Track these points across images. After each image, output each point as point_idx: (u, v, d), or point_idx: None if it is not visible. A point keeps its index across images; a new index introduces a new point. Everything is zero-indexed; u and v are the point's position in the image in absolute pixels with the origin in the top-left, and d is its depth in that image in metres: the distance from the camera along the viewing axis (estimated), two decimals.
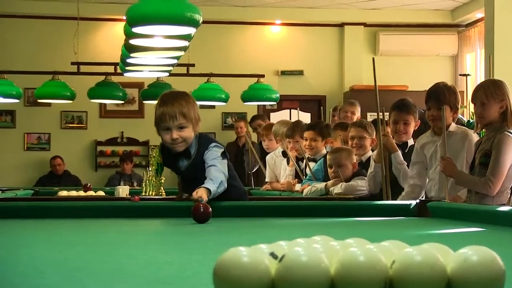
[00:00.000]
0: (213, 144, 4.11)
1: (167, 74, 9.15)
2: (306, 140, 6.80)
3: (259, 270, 1.29)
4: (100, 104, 12.59)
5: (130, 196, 5.54)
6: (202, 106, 11.56)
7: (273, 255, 1.33)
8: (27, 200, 5.43)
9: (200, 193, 3.62)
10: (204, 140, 4.15)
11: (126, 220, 3.78)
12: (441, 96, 5.16)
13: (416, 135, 6.06)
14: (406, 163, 5.51)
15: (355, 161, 5.97)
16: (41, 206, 4.05)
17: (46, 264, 1.99)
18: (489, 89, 4.82)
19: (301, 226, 3.55)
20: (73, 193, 7.09)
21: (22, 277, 1.74)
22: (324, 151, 6.71)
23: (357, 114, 8.50)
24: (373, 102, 11.68)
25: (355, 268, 1.28)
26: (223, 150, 4.14)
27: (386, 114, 5.97)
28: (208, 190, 3.69)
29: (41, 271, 1.84)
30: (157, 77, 9.71)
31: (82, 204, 4.10)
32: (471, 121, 7.41)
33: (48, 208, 3.98)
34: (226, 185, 3.93)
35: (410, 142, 5.75)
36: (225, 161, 4.07)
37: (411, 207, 4.02)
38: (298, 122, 7.57)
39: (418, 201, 4.05)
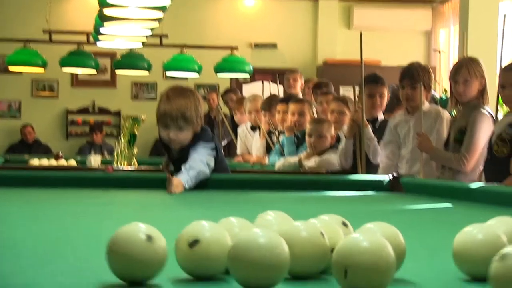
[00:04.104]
0: (201, 143, 4.10)
1: (141, 45, 9.11)
2: (279, 113, 6.83)
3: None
4: (72, 73, 12.50)
5: (103, 167, 5.52)
6: (174, 77, 11.61)
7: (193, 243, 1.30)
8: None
9: (175, 185, 3.67)
10: (198, 137, 4.13)
11: (100, 191, 3.76)
12: (415, 75, 5.19)
13: (386, 109, 6.09)
14: (376, 139, 5.53)
15: (333, 134, 5.99)
16: (14, 175, 4.02)
17: (26, 236, 1.98)
18: (471, 67, 4.87)
19: (276, 200, 3.57)
20: (45, 161, 7.06)
21: (3, 248, 1.73)
22: None
23: (300, 81, 8.50)
24: (347, 76, 11.78)
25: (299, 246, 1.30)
26: (211, 145, 4.13)
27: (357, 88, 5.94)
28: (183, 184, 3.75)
29: (22, 243, 1.83)
30: (130, 48, 9.66)
31: (56, 174, 4.08)
32: (444, 97, 7.44)
33: (21, 177, 3.96)
34: (206, 170, 3.95)
35: (380, 117, 5.78)
36: (209, 152, 4.07)
37: (384, 182, 4.06)
38: (274, 96, 7.63)
39: (391, 176, 4.08)
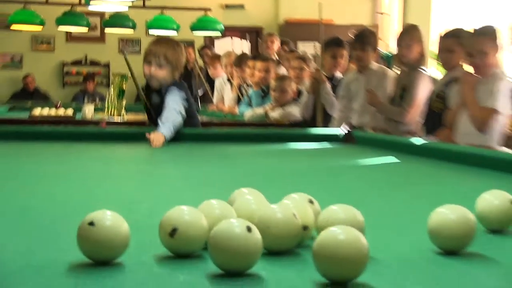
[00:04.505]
0: (174, 87, 4.07)
1: (127, 8, 8.96)
2: (249, 68, 6.76)
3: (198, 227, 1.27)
4: (66, 31, 12.29)
5: (98, 120, 5.47)
6: (156, 35, 11.46)
7: (172, 232, 1.27)
8: (4, 122, 5.30)
9: (157, 140, 3.64)
10: (173, 84, 4.10)
11: (96, 144, 3.71)
12: (365, 39, 5.21)
13: None
14: (333, 94, 5.52)
15: (294, 89, 5.96)
16: (19, 131, 3.95)
17: (39, 200, 1.92)
18: (414, 33, 4.90)
19: (245, 153, 3.52)
20: (46, 110, 6.94)
21: (24, 217, 1.67)
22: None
23: (276, 43, 8.40)
24: (305, 34, 11.66)
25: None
26: (182, 94, 4.08)
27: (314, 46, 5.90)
28: (164, 136, 3.72)
29: (38, 209, 1.76)
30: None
31: (57, 130, 4.02)
32: (390, 54, 7.44)
33: (26, 133, 3.90)
34: (179, 118, 3.91)
35: (338, 75, 5.75)
36: (181, 100, 4.02)
37: (340, 135, 4.05)
38: (244, 54, 7.60)
39: (346, 131, 4.07)
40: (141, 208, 1.84)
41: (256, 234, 1.18)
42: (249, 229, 1.17)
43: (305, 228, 1.36)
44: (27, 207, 1.82)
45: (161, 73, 4.05)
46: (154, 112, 4.18)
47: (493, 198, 1.51)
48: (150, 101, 4.23)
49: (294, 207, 1.38)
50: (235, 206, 1.42)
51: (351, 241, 1.11)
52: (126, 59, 4.11)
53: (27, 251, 1.32)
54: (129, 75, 4.21)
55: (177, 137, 3.82)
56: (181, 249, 1.28)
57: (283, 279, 1.16)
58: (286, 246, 1.31)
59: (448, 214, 1.33)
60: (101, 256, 1.22)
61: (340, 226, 1.15)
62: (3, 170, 2.69)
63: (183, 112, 3.98)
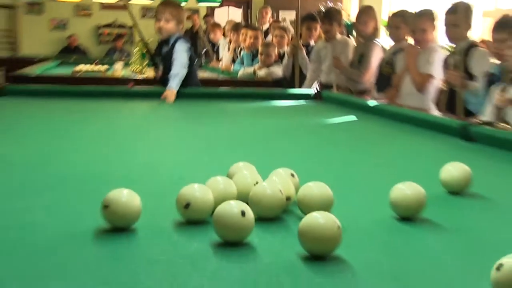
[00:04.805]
0: (182, 39, 4.00)
1: None
2: (243, 34, 6.61)
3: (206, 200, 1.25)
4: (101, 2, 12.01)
5: (127, 78, 5.36)
6: None
7: (186, 206, 1.24)
8: (48, 81, 5.16)
9: (170, 96, 3.65)
10: (180, 37, 4.02)
11: (123, 101, 3.60)
12: (331, 16, 5.09)
13: None
14: (308, 58, 5.43)
15: (276, 53, 5.85)
16: (62, 90, 3.86)
17: (97, 164, 1.80)
18: (370, 12, 4.80)
19: (241, 111, 3.41)
20: (87, 66, 6.81)
21: (77, 181, 1.59)
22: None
23: (269, 14, 8.23)
24: (286, 4, 11.35)
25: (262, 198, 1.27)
26: (188, 45, 4.01)
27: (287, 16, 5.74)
28: (173, 91, 3.73)
29: (97, 177, 1.64)
30: None
31: (95, 89, 3.93)
32: (350, 23, 7.30)
33: (69, 92, 3.82)
34: (185, 71, 3.86)
35: (312, 43, 5.64)
36: (186, 52, 3.94)
37: (311, 94, 3.99)
38: (239, 23, 7.48)
39: (316, 91, 4.01)
40: (162, 170, 1.78)
41: (249, 215, 1.15)
42: (243, 214, 1.14)
43: (287, 199, 1.34)
44: (55, 169, 1.75)
45: (169, 26, 3.96)
46: (164, 63, 4.07)
47: (454, 169, 1.54)
48: (161, 53, 4.12)
49: (280, 182, 1.35)
50: (234, 179, 1.39)
51: (329, 225, 1.08)
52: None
53: (59, 212, 1.28)
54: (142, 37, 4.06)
55: (179, 95, 3.74)
56: (193, 218, 1.26)
57: (271, 246, 1.14)
58: (273, 214, 1.29)
59: (405, 189, 1.31)
60: (121, 225, 1.20)
61: (320, 212, 1.12)
62: (44, 127, 2.58)
63: (187, 62, 3.93)
